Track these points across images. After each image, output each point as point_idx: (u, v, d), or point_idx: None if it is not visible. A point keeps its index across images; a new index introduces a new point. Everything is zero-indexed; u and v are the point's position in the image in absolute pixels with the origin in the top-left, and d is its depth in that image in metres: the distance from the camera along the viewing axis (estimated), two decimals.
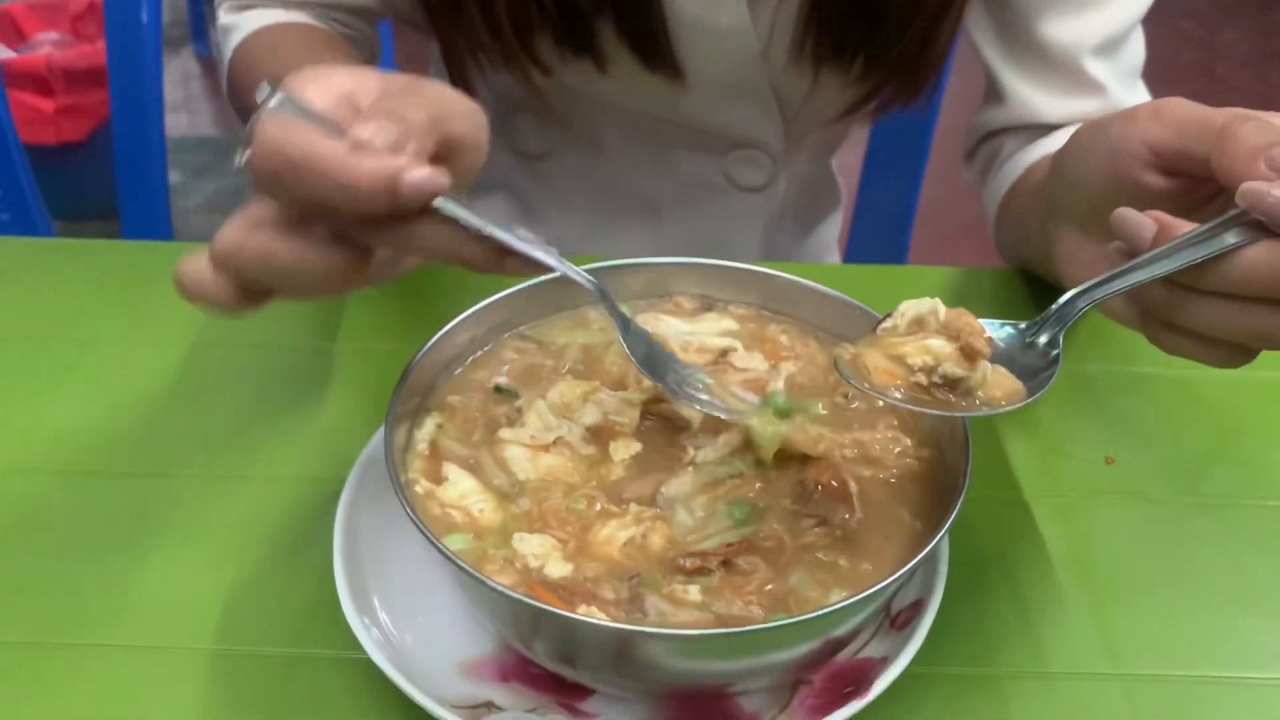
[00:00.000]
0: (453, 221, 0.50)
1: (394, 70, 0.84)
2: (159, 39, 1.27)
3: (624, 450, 0.62)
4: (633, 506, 0.59)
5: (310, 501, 0.69)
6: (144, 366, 0.80)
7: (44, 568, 0.65)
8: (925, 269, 0.94)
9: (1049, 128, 0.92)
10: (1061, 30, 0.88)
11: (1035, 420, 0.77)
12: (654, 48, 0.88)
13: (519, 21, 0.85)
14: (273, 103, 0.49)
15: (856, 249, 1.38)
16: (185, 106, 3.19)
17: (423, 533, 0.52)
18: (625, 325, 0.60)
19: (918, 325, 0.58)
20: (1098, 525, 0.70)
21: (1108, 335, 0.83)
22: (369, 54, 0.99)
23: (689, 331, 0.68)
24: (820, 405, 0.65)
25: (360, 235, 0.51)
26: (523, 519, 0.59)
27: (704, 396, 0.62)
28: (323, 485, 0.69)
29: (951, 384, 0.56)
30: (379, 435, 0.67)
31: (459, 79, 0.94)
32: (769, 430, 0.61)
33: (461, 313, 0.66)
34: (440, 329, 0.64)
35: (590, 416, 0.63)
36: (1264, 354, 0.56)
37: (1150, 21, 0.91)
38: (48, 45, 2.48)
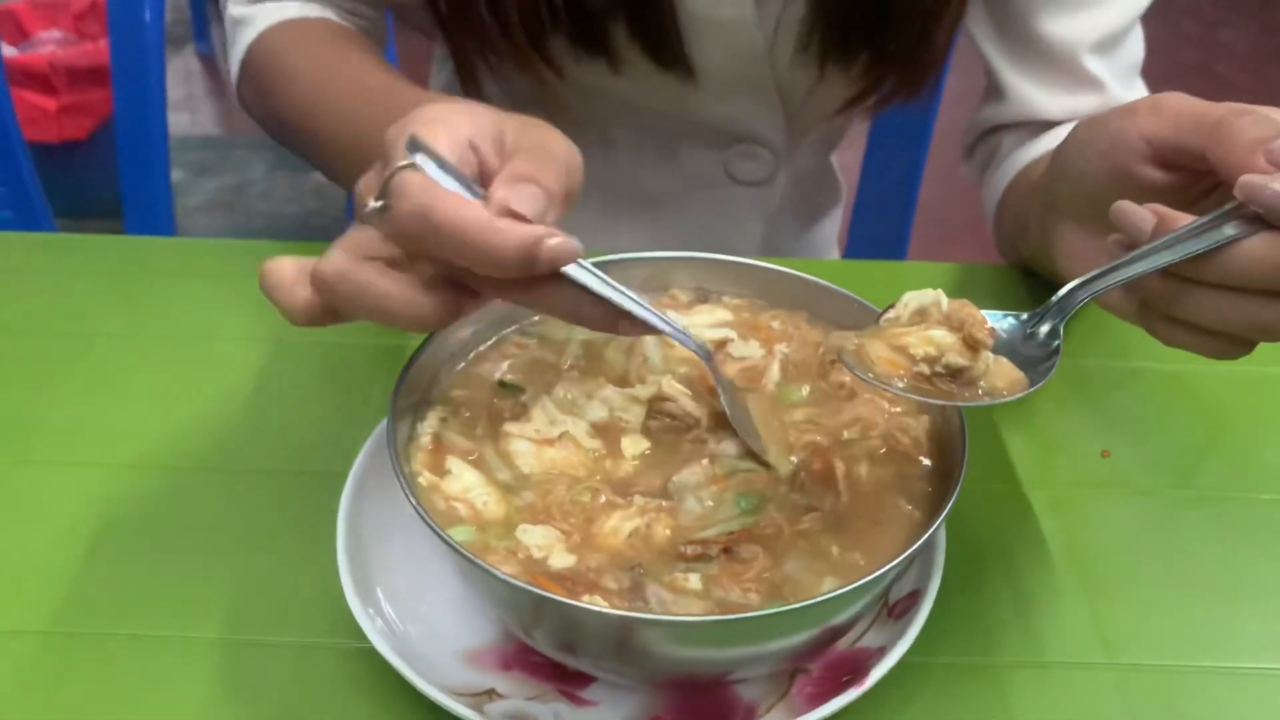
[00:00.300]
0: (578, 285, 0.53)
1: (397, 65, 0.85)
2: (162, 37, 1.28)
3: (634, 447, 0.63)
4: (638, 498, 0.60)
5: (314, 494, 0.69)
6: (148, 361, 0.80)
7: (50, 559, 0.66)
8: (924, 265, 0.95)
9: (1048, 124, 0.92)
10: (1060, 27, 0.89)
11: (1032, 414, 0.78)
12: (665, 46, 0.88)
13: (530, 23, 0.86)
14: (415, 159, 0.50)
15: (856, 245, 1.39)
16: (187, 105, 3.20)
17: (428, 524, 0.53)
18: (725, 392, 0.62)
19: (920, 316, 0.58)
20: (1093, 517, 0.71)
21: (1104, 331, 0.84)
22: (379, 42, 0.99)
23: (685, 324, 0.69)
24: (804, 389, 0.66)
25: (482, 287, 0.53)
26: (526, 511, 0.59)
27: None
28: (326, 478, 0.69)
29: (954, 374, 0.57)
30: (381, 428, 0.67)
31: (467, 78, 0.94)
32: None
33: None
34: None
35: (596, 413, 0.64)
36: (1258, 350, 0.56)
37: (1151, 20, 0.92)
38: (50, 44, 2.49)
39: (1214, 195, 0.61)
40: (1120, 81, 0.91)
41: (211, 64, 3.41)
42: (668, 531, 0.58)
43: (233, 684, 0.60)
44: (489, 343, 0.68)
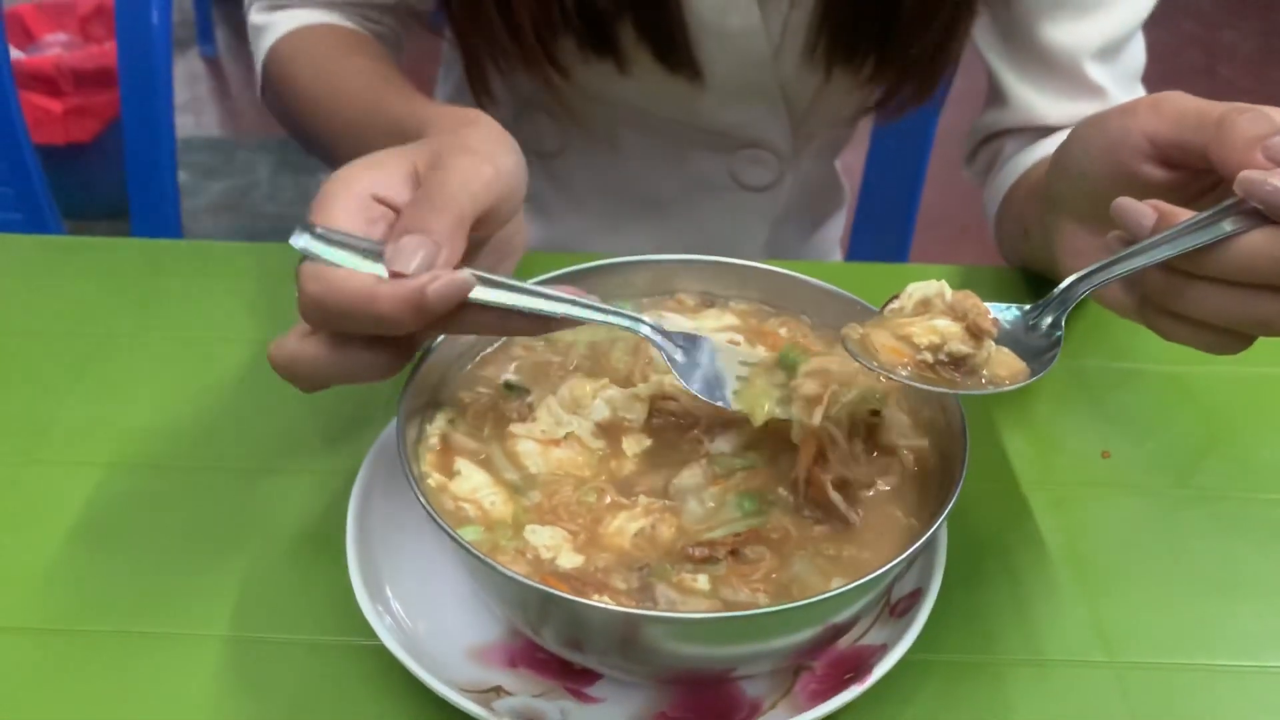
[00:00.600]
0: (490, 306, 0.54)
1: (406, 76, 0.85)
2: (169, 40, 1.29)
3: (635, 445, 0.63)
4: (642, 498, 0.61)
5: (323, 494, 0.70)
6: (158, 362, 0.81)
7: (63, 557, 0.67)
8: (926, 267, 0.95)
9: (1049, 130, 0.93)
10: (1063, 34, 0.90)
11: (1032, 414, 0.78)
12: (673, 48, 0.89)
13: (540, 25, 0.87)
14: (302, 245, 0.53)
15: (859, 248, 1.40)
16: (191, 107, 3.20)
17: (438, 523, 0.54)
18: (676, 361, 0.61)
19: (924, 306, 0.59)
20: (1093, 517, 0.71)
21: (1104, 331, 0.84)
22: (397, 48, 1.00)
23: (691, 327, 0.70)
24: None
25: (411, 333, 0.54)
26: (534, 511, 0.60)
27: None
28: (335, 478, 0.70)
29: (957, 363, 0.57)
30: (389, 430, 0.68)
31: (477, 79, 0.95)
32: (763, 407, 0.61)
33: None
34: None
35: (600, 412, 0.65)
36: (1256, 351, 0.57)
37: (1153, 23, 0.92)
38: (56, 46, 2.50)
39: (1213, 193, 0.61)
40: (1122, 88, 0.92)
41: (215, 67, 3.41)
42: (673, 532, 0.59)
43: (244, 680, 0.61)
44: (496, 345, 0.69)
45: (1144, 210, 0.55)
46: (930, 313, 0.58)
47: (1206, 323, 0.56)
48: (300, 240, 0.53)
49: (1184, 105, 0.59)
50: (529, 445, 0.63)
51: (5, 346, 0.82)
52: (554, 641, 0.57)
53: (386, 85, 0.82)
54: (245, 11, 0.98)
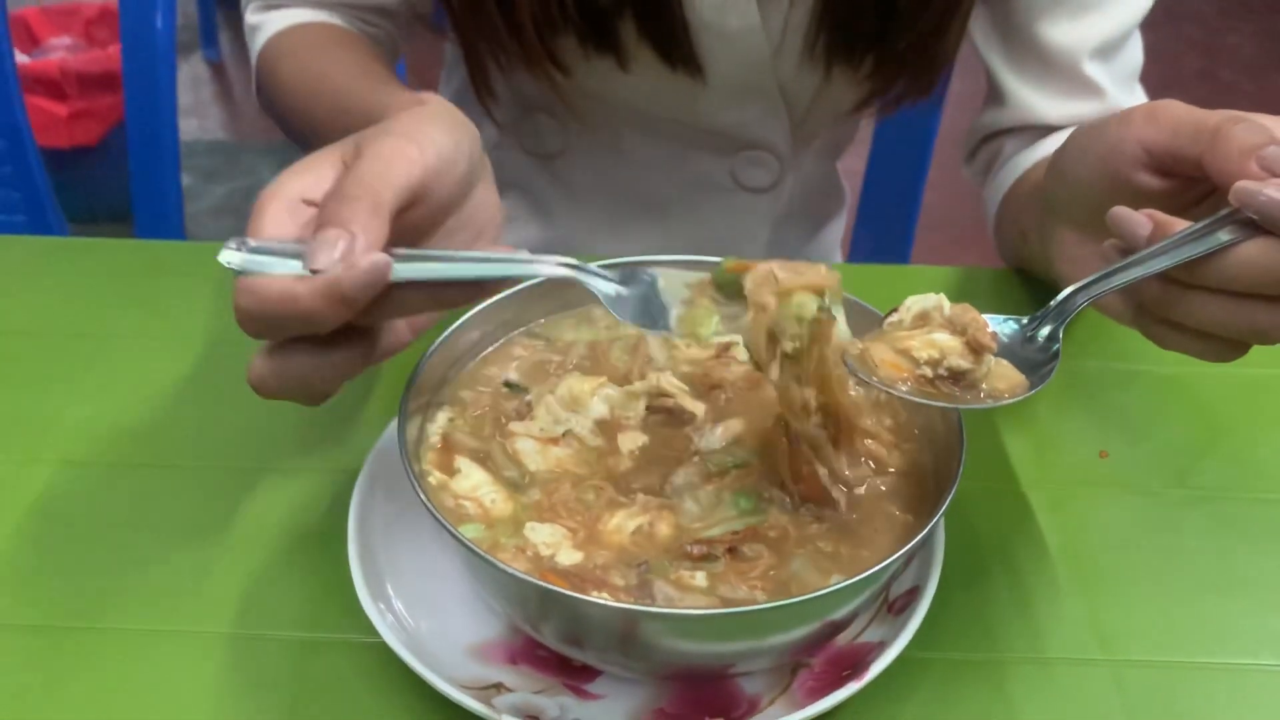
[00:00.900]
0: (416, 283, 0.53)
1: (404, 78, 0.86)
2: (173, 44, 1.29)
3: (630, 442, 0.64)
4: (640, 496, 0.61)
5: (324, 492, 0.71)
6: (161, 362, 0.81)
7: (67, 555, 0.67)
8: (926, 269, 0.96)
9: (1048, 129, 0.93)
10: (1061, 33, 0.90)
11: (1032, 415, 0.79)
12: (675, 44, 0.89)
13: (540, 21, 0.87)
14: (230, 261, 0.52)
15: (859, 250, 1.40)
16: (195, 111, 3.21)
17: (439, 521, 0.54)
18: (606, 295, 0.59)
19: (922, 320, 0.59)
20: (1091, 516, 0.72)
21: (1103, 333, 0.85)
22: (391, 51, 1.01)
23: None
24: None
25: (357, 323, 0.53)
26: (533, 509, 0.61)
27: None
28: (336, 476, 0.71)
29: (956, 377, 0.58)
30: (391, 428, 0.69)
31: (479, 80, 0.95)
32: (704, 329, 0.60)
33: (470, 310, 0.67)
34: (450, 326, 0.66)
35: (598, 410, 0.65)
36: (1253, 353, 0.58)
37: (1154, 26, 0.93)
38: (61, 50, 2.51)
39: (1208, 201, 0.62)
40: (1120, 87, 0.92)
41: (219, 70, 3.42)
42: (671, 530, 0.59)
43: (246, 677, 0.61)
44: (496, 345, 0.70)
45: (1140, 220, 0.56)
46: (929, 326, 0.59)
47: (1202, 331, 0.56)
48: (228, 256, 0.52)
49: (1179, 114, 0.60)
50: (528, 444, 0.64)
51: (8, 346, 0.83)
52: (554, 638, 0.58)
53: (364, 77, 0.82)
54: (242, 11, 0.99)
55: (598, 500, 0.61)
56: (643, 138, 1.02)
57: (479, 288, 0.55)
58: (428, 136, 0.56)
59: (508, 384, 0.68)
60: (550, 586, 0.53)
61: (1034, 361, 0.59)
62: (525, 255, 0.56)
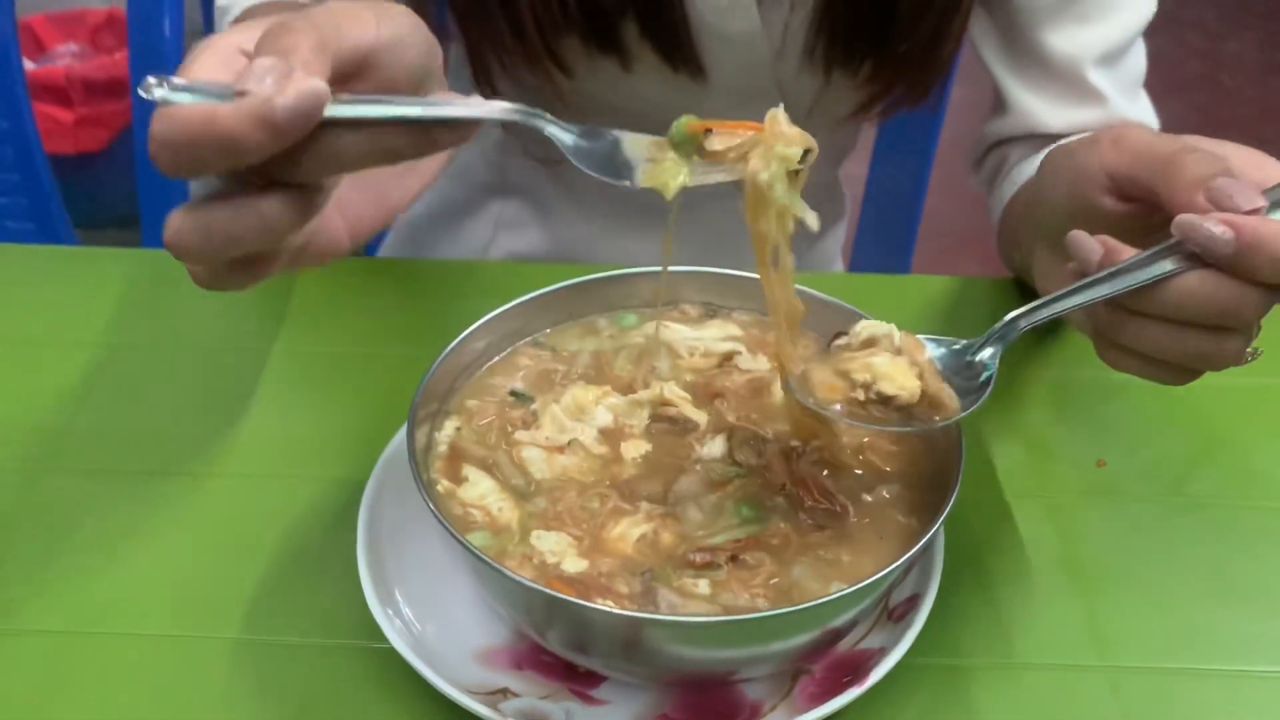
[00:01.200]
0: (359, 123, 0.47)
1: None
2: (181, 51, 1.30)
3: (634, 450, 0.65)
4: (644, 505, 0.62)
5: (333, 500, 0.71)
6: (172, 370, 0.82)
7: (78, 562, 0.68)
8: (926, 278, 0.96)
9: (1053, 137, 0.94)
10: (1064, 41, 0.91)
11: (1028, 424, 0.80)
12: (677, 46, 0.90)
13: (543, 21, 0.87)
14: (153, 95, 0.45)
15: (860, 259, 1.40)
16: None
17: (446, 529, 0.55)
18: (566, 144, 0.56)
19: (870, 344, 0.61)
20: (1088, 524, 0.73)
21: None
22: None
23: (694, 336, 0.71)
24: None
25: (281, 176, 0.48)
26: (539, 517, 0.62)
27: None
28: (345, 485, 0.72)
29: (885, 401, 0.59)
30: (399, 437, 0.70)
31: (483, 80, 0.96)
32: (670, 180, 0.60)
33: (476, 321, 0.68)
34: (457, 336, 0.67)
35: (602, 419, 0.66)
36: (1248, 363, 0.58)
37: (1156, 33, 0.93)
38: (67, 57, 2.51)
39: (1168, 226, 0.63)
40: (1123, 94, 0.93)
41: None
42: (674, 538, 0.60)
43: (255, 682, 0.62)
44: (502, 354, 0.71)
45: (1092, 245, 0.57)
46: (874, 349, 0.60)
47: (1150, 357, 0.57)
48: (148, 90, 0.45)
49: (1141, 141, 0.60)
50: (534, 452, 0.64)
51: (18, 355, 0.84)
52: (559, 644, 0.58)
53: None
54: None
55: (602, 508, 0.62)
56: None
57: (424, 133, 0.49)
58: (386, 13, 0.51)
59: (514, 393, 0.68)
60: (556, 594, 0.54)
61: (969, 386, 0.60)
62: (475, 99, 0.51)
